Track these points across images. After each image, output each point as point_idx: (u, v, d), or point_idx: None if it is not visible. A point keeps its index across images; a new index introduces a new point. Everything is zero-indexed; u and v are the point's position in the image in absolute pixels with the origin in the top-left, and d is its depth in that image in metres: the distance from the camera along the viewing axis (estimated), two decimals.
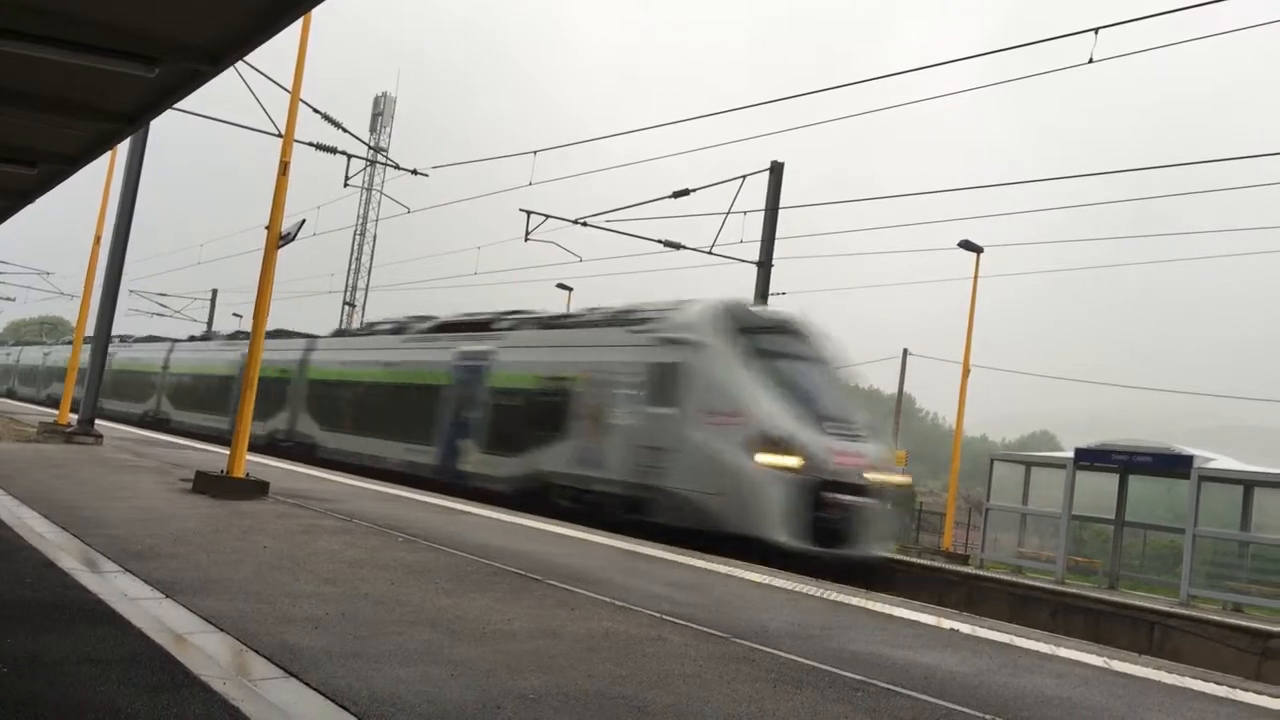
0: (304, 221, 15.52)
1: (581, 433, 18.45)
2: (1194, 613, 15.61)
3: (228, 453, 15.15)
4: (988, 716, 5.76)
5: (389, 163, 29.81)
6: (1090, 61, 13.20)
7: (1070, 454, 21.87)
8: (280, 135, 15.49)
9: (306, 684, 5.16)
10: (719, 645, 7.06)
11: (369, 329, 30.99)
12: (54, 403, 39.05)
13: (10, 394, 61.45)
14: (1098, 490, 23.44)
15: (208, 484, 14.18)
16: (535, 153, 22.45)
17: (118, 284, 22.04)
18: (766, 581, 10.55)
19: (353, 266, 49.84)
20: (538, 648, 6.42)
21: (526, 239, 24.24)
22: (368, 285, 49.75)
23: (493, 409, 21.39)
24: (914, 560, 20.48)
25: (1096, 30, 13.06)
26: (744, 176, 22.68)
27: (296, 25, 10.33)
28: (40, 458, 17.43)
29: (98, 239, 23.94)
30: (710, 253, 24.05)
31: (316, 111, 20.43)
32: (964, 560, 23.71)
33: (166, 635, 5.91)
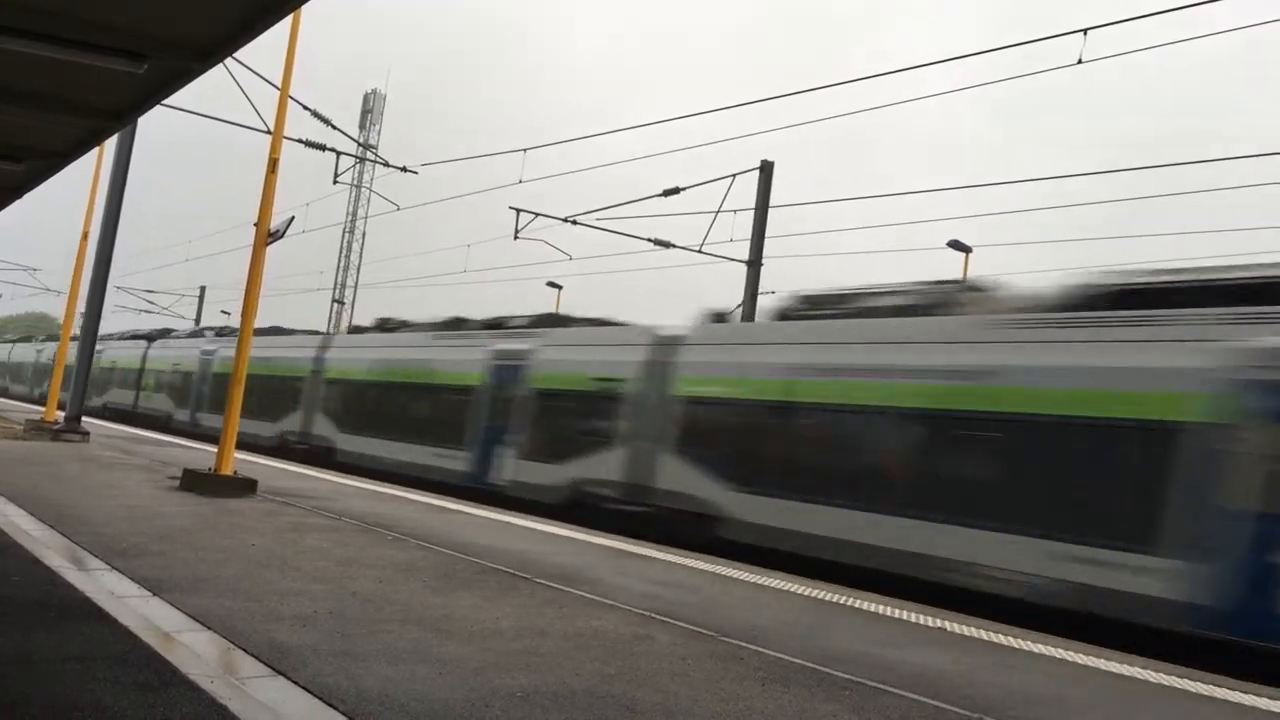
0: (293, 218, 15.50)
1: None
2: None
3: (215, 450, 15.09)
4: (976, 715, 5.78)
5: (378, 160, 29.71)
6: (1079, 62, 13.24)
7: None
8: (269, 132, 15.44)
9: (294, 682, 5.15)
10: (707, 644, 7.06)
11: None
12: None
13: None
14: None
15: (195, 482, 14.13)
16: (525, 150, 22.42)
17: (105, 280, 21.96)
18: (755, 580, 10.56)
19: (342, 264, 49.74)
20: (526, 646, 6.42)
21: (516, 237, 24.20)
22: (356, 283, 49.67)
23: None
24: None
25: (1085, 31, 13.10)
26: (734, 175, 22.69)
27: (286, 21, 10.31)
28: (27, 455, 17.34)
29: (85, 235, 23.83)
30: (700, 251, 24.05)
31: (306, 108, 20.35)
32: None
33: (154, 633, 5.89)
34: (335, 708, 4.79)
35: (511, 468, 19.19)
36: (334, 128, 21.51)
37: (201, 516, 11.43)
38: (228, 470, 14.42)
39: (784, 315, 16.23)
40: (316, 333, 32.27)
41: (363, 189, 47.85)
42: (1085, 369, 11.11)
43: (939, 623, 8.98)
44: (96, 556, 8.24)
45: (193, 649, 5.64)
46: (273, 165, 14.98)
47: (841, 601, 9.70)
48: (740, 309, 23.31)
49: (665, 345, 16.89)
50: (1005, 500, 11.42)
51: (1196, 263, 14.26)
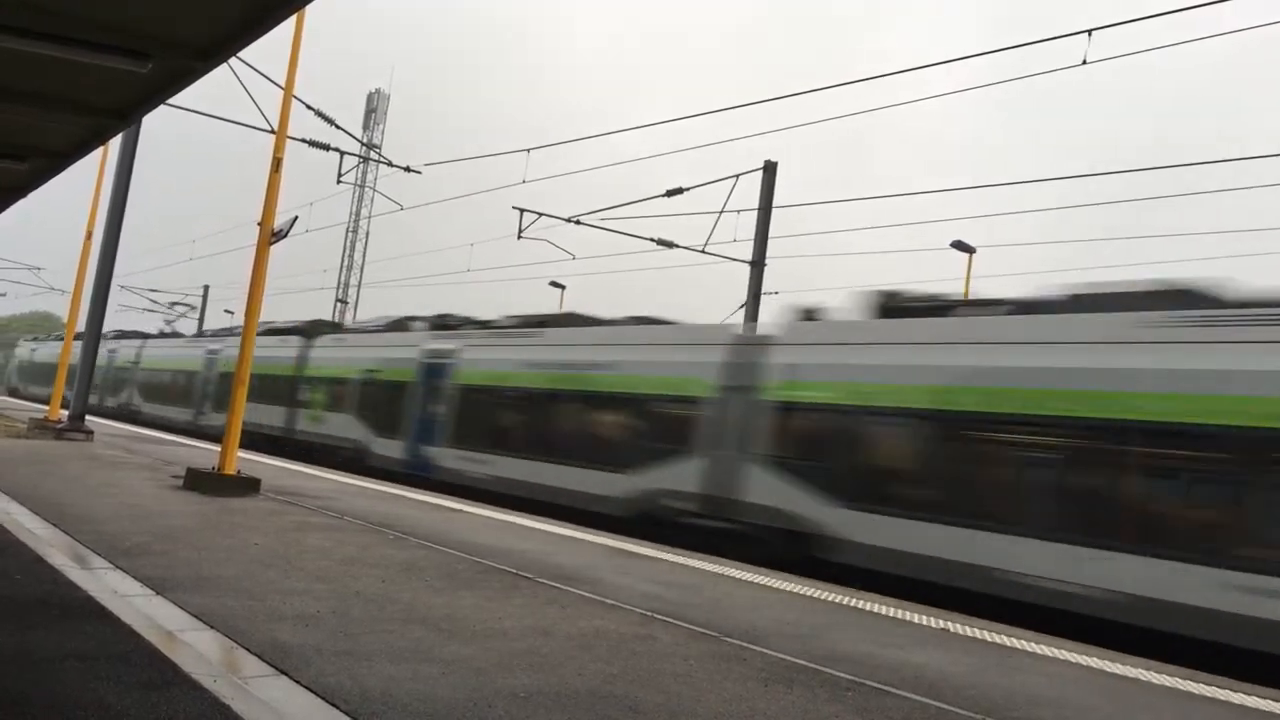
0: (296, 218, 15.47)
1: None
2: None
3: (218, 449, 15.11)
4: (979, 716, 5.78)
5: (382, 159, 29.69)
6: (1084, 63, 13.22)
7: None
8: (273, 132, 15.44)
9: (297, 682, 5.16)
10: (710, 644, 7.06)
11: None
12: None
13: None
14: None
15: (198, 481, 14.14)
16: (529, 150, 22.42)
17: (109, 279, 21.99)
18: (757, 580, 10.55)
19: (345, 263, 49.76)
20: (529, 646, 6.42)
21: (519, 237, 24.19)
22: (360, 282, 49.66)
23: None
24: None
25: (1090, 32, 13.08)
26: (737, 176, 22.68)
27: (290, 21, 10.31)
28: (30, 454, 17.36)
29: (89, 234, 23.87)
30: (703, 251, 24.04)
31: (309, 108, 20.36)
32: None
33: (157, 632, 5.89)
34: (338, 707, 4.79)
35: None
36: (337, 127, 21.51)
37: (204, 516, 11.44)
38: (231, 469, 14.43)
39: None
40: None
41: (366, 188, 47.90)
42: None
43: (941, 624, 8.97)
44: (99, 555, 8.25)
45: (195, 648, 5.65)
46: (276, 165, 14.99)
47: (844, 602, 9.69)
48: (745, 307, 23.27)
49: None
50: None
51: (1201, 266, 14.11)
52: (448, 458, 21.09)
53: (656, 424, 16.56)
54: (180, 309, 52.30)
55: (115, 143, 20.32)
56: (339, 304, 49.04)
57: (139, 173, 21.42)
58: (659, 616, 7.86)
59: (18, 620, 5.82)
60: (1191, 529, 10.26)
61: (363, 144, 35.09)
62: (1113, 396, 10.97)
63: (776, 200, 24.06)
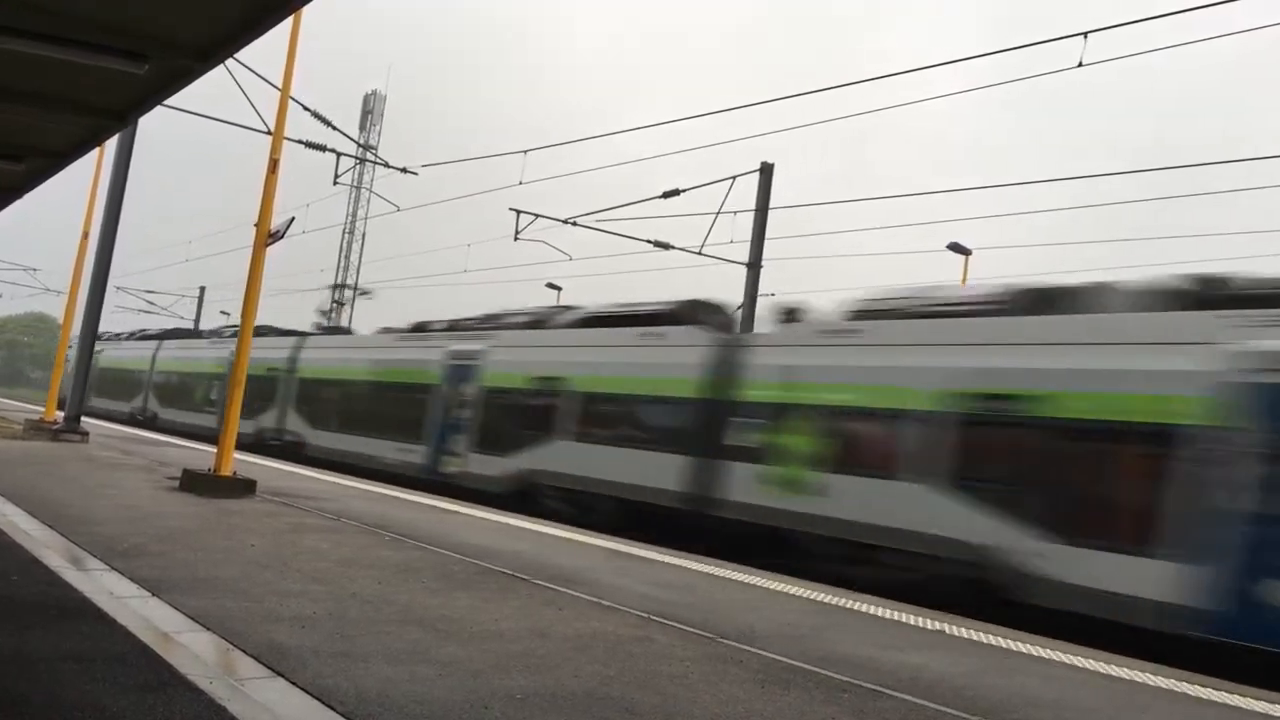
0: (293, 219, 15.48)
1: None
2: None
3: (214, 450, 15.09)
4: (976, 718, 5.78)
5: (378, 161, 29.70)
6: (1080, 65, 13.24)
7: None
8: (270, 133, 15.44)
9: (294, 683, 5.15)
10: (706, 646, 7.06)
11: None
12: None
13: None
14: None
15: (194, 482, 14.12)
16: (526, 152, 22.42)
17: (105, 280, 21.96)
18: (754, 582, 10.56)
19: (341, 264, 49.72)
20: (525, 647, 6.41)
21: (516, 238, 24.19)
22: (356, 283, 49.63)
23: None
24: None
25: (1086, 34, 13.10)
26: (734, 177, 22.70)
27: (287, 22, 10.31)
28: (27, 455, 17.34)
29: (85, 235, 23.84)
30: (700, 253, 24.06)
31: (306, 109, 20.36)
32: None
33: (153, 634, 5.88)
34: (334, 709, 4.78)
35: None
36: (334, 128, 21.52)
37: (200, 517, 11.43)
38: (227, 471, 14.41)
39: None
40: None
41: (363, 190, 47.89)
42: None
43: (938, 625, 8.97)
44: (96, 557, 8.23)
45: (192, 650, 5.64)
46: (273, 166, 14.98)
47: (840, 604, 9.70)
48: (741, 309, 23.22)
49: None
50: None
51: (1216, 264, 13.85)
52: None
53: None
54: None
55: (111, 143, 20.29)
56: (334, 305, 49.02)
57: (135, 173, 21.41)
58: (656, 618, 7.86)
59: (15, 621, 5.81)
60: None
61: (359, 145, 35.09)
62: None
63: (778, 200, 24.09)
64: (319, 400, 27.24)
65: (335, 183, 24.44)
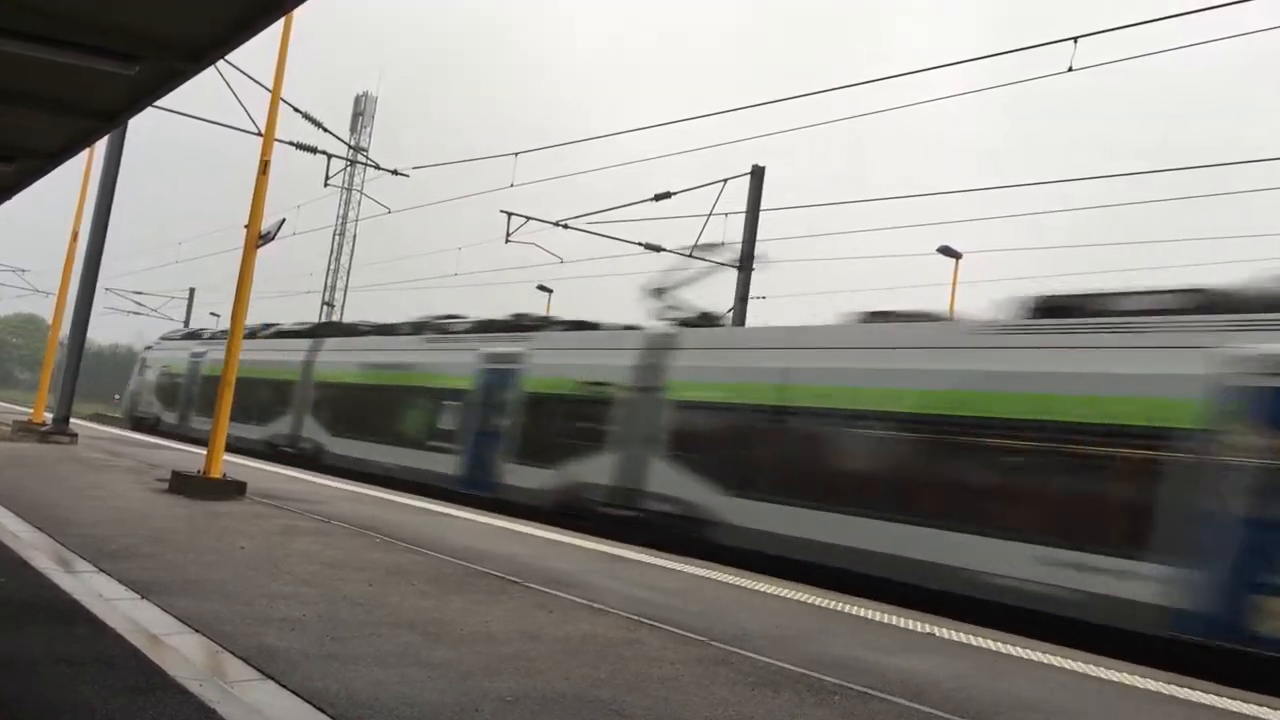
0: (283, 220, 15.43)
1: None
2: None
3: (204, 452, 15.04)
4: None
5: (369, 163, 29.66)
6: (1069, 70, 13.30)
7: None
8: (260, 134, 15.41)
9: (284, 686, 5.14)
10: (697, 648, 7.06)
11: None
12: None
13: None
14: None
15: (184, 484, 14.07)
16: (516, 154, 22.43)
17: (95, 281, 21.88)
18: (745, 584, 10.56)
19: (332, 266, 49.64)
20: (516, 650, 6.41)
21: (507, 241, 24.19)
22: (346, 285, 49.55)
23: None
24: None
25: (1076, 39, 13.15)
26: (725, 180, 22.74)
27: (278, 24, 10.29)
28: (14, 456, 17.26)
29: (75, 236, 23.74)
30: (691, 256, 24.08)
31: (297, 111, 20.35)
32: None
33: (142, 636, 5.87)
34: (324, 711, 4.78)
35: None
36: (325, 130, 21.51)
37: (190, 519, 11.39)
38: (217, 473, 14.36)
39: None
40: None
41: (353, 192, 47.83)
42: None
43: (928, 628, 8.99)
44: (85, 559, 8.20)
45: (181, 652, 5.62)
46: (264, 167, 14.95)
47: (831, 606, 9.71)
48: (732, 311, 23.25)
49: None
50: None
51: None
52: None
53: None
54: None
55: (101, 144, 20.23)
56: (325, 307, 48.95)
57: (125, 174, 21.35)
58: (647, 620, 7.86)
59: (4, 624, 5.80)
60: None
61: (350, 147, 35.03)
62: None
63: (778, 200, 24.13)
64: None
65: (326, 184, 24.43)
